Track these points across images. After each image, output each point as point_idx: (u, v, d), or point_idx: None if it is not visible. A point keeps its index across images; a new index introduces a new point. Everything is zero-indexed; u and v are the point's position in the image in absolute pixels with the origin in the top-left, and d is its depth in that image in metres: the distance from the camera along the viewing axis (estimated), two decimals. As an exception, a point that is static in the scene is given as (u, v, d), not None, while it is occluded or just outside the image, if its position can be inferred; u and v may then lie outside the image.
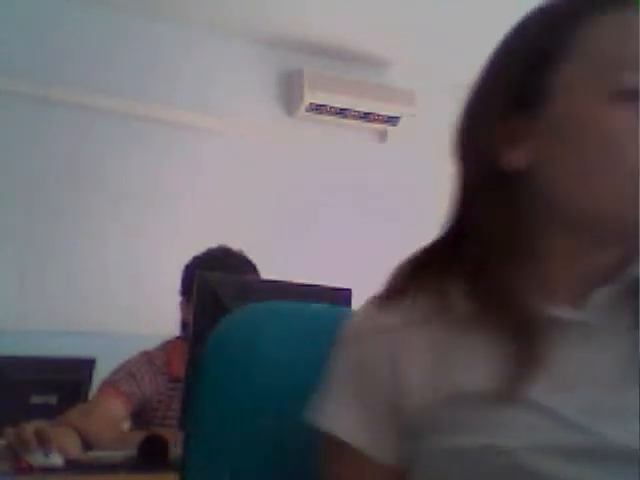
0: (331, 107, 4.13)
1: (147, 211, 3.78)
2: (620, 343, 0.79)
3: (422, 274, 0.84)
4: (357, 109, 4.17)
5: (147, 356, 2.34)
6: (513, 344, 0.77)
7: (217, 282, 1.82)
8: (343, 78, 4.12)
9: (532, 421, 0.76)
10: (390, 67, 4.31)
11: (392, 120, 4.27)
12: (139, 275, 3.69)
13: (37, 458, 1.70)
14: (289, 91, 4.15)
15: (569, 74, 0.80)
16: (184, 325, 2.36)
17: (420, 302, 0.82)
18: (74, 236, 3.63)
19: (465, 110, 0.86)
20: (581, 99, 0.79)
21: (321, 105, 4.11)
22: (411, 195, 4.31)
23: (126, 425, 2.30)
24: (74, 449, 1.82)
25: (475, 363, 0.79)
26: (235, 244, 2.43)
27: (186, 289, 2.33)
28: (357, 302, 0.94)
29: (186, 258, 2.41)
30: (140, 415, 2.28)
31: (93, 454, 1.85)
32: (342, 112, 4.17)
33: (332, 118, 4.18)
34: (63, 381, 2.33)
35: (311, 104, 4.08)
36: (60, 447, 1.74)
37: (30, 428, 1.73)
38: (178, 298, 2.39)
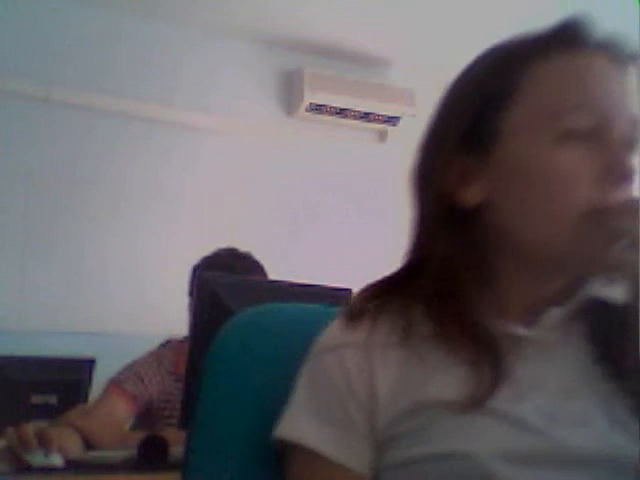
0: (331, 107, 4.13)
1: (147, 211, 3.78)
2: (571, 356, 0.85)
3: (386, 299, 0.88)
4: (357, 109, 4.17)
5: (155, 356, 2.34)
6: (474, 358, 0.81)
7: (217, 282, 1.82)
8: (343, 78, 4.12)
9: (494, 428, 0.79)
10: (390, 67, 4.31)
11: (392, 120, 4.27)
12: (139, 275, 3.69)
13: (37, 458, 1.70)
14: (289, 91, 4.15)
15: (516, 117, 0.84)
16: (193, 325, 2.36)
17: (385, 322, 0.86)
18: (74, 236, 3.62)
19: (420, 148, 0.90)
20: (527, 141, 0.83)
21: (321, 105, 4.11)
22: (411, 195, 4.30)
23: (127, 425, 2.30)
24: (75, 449, 1.82)
25: (439, 377, 0.82)
26: (235, 244, 2.43)
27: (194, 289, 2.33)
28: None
29: (186, 258, 2.41)
30: (146, 415, 2.28)
31: (93, 454, 1.85)
32: (342, 112, 4.17)
33: (332, 118, 4.18)
34: (63, 381, 2.33)
35: (311, 104, 4.08)
36: (61, 447, 1.74)
37: (30, 428, 1.73)
38: (185, 299, 2.37)
